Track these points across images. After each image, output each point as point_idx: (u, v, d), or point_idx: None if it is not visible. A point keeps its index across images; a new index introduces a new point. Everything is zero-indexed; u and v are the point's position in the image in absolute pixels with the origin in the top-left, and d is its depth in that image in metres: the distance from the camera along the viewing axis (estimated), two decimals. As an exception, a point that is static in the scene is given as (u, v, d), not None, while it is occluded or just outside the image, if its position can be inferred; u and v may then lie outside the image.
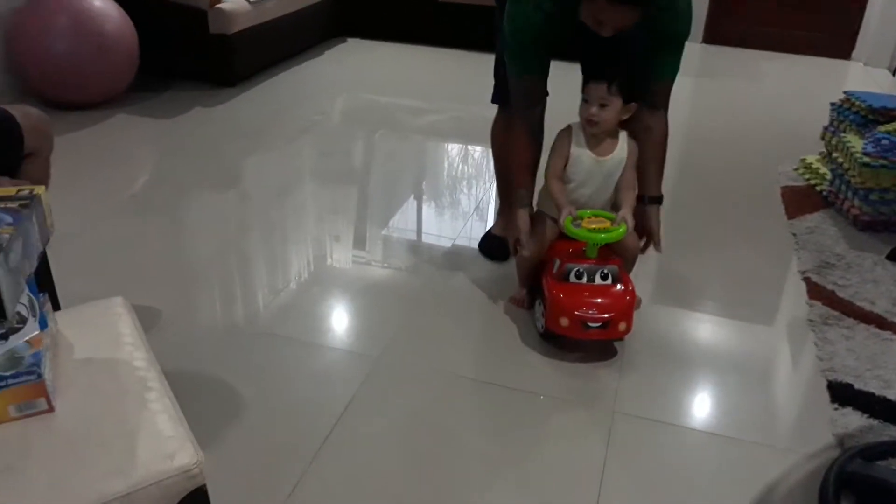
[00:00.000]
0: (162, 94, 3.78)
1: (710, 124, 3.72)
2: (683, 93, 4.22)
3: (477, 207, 2.78)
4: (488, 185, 2.98)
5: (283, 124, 3.52)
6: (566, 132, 1.95)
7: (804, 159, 3.10)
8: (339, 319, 2.09)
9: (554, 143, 1.97)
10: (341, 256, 2.41)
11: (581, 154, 1.92)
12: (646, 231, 2.02)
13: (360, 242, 2.51)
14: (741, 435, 1.71)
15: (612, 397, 1.80)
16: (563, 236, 1.94)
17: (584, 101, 1.88)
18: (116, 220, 2.55)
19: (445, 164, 3.25)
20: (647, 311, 2.14)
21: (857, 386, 1.86)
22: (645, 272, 2.25)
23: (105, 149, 3.14)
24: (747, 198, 2.91)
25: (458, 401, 1.78)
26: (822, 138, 3.03)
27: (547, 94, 2.01)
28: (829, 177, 2.86)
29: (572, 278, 1.88)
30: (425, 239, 2.56)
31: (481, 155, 3.27)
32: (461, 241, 2.52)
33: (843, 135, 2.85)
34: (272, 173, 3.01)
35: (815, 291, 2.27)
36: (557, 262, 1.92)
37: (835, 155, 2.85)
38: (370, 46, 4.84)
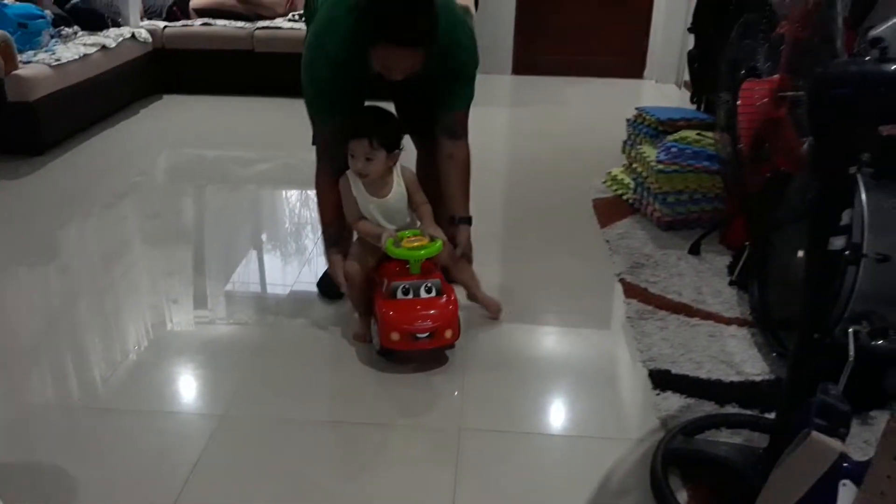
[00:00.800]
0: (-41, 170, 3.51)
1: (526, 147, 3.97)
2: (499, 120, 4.48)
3: (313, 249, 2.79)
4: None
5: (100, 189, 3.37)
6: (344, 181, 2.08)
7: (610, 172, 3.38)
8: (181, 383, 2.03)
9: (341, 192, 2.10)
10: (180, 319, 2.33)
11: (364, 202, 2.08)
12: (457, 247, 2.16)
13: (199, 302, 2.44)
14: (579, 432, 1.83)
15: (456, 415, 1.87)
16: (387, 258, 2.06)
17: (351, 156, 2.02)
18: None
19: (279, 211, 3.24)
20: (480, 324, 2.25)
21: (673, 371, 2.05)
22: (488, 285, 2.36)
23: None
24: (563, 212, 3.13)
25: (308, 445, 1.77)
26: (623, 151, 3.33)
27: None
28: (632, 186, 3.14)
29: (399, 295, 2.00)
30: (263, 289, 2.54)
31: (314, 199, 3.29)
32: (299, 286, 2.53)
33: (639, 147, 3.14)
34: (94, 241, 2.87)
35: (630, 290, 2.48)
36: (385, 282, 2.02)
37: (635, 165, 3.13)
38: (188, 101, 4.75)
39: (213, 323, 2.31)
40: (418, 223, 2.16)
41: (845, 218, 1.27)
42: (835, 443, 1.09)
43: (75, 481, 1.63)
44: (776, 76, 1.48)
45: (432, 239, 2.05)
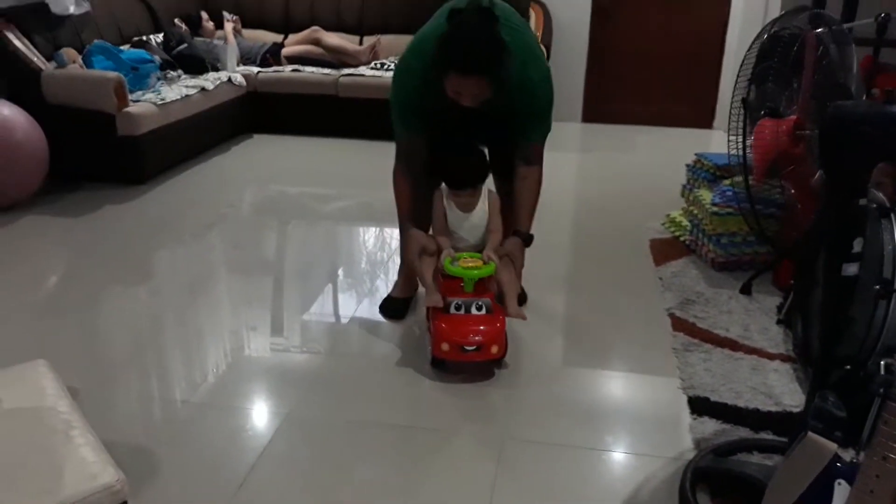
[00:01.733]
0: (71, 196, 3.90)
1: (590, 190, 4.12)
2: (567, 164, 4.65)
3: (384, 284, 2.98)
4: (389, 258, 3.21)
5: (192, 219, 3.68)
6: (438, 194, 2.36)
7: (669, 214, 3.49)
8: (254, 387, 2.24)
9: (434, 202, 2.36)
10: (257, 345, 2.48)
11: (452, 214, 2.36)
12: (509, 256, 2.33)
13: (276, 329, 2.59)
14: (615, 448, 1.94)
15: (501, 425, 2.02)
16: (446, 277, 2.27)
17: (455, 195, 2.33)
18: (26, 321, 2.63)
19: (354, 246, 3.46)
20: (532, 342, 2.40)
21: (713, 398, 2.14)
22: (538, 312, 2.52)
23: (12, 252, 3.22)
24: (621, 250, 3.25)
25: (361, 444, 1.95)
26: (682, 195, 3.44)
27: (429, 152, 2.37)
28: (689, 227, 3.24)
29: (452, 310, 2.21)
30: (337, 318, 2.72)
31: (389, 234, 3.52)
32: (366, 315, 2.69)
33: (697, 190, 3.25)
34: (182, 267, 3.12)
35: (678, 324, 2.58)
36: (442, 298, 2.24)
37: (692, 208, 3.24)
38: (276, 141, 5.11)
39: (288, 350, 2.47)
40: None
41: (857, 246, 1.38)
42: (829, 444, 1.19)
43: (159, 454, 1.86)
44: (793, 116, 1.61)
45: (487, 262, 2.23)
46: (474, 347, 2.16)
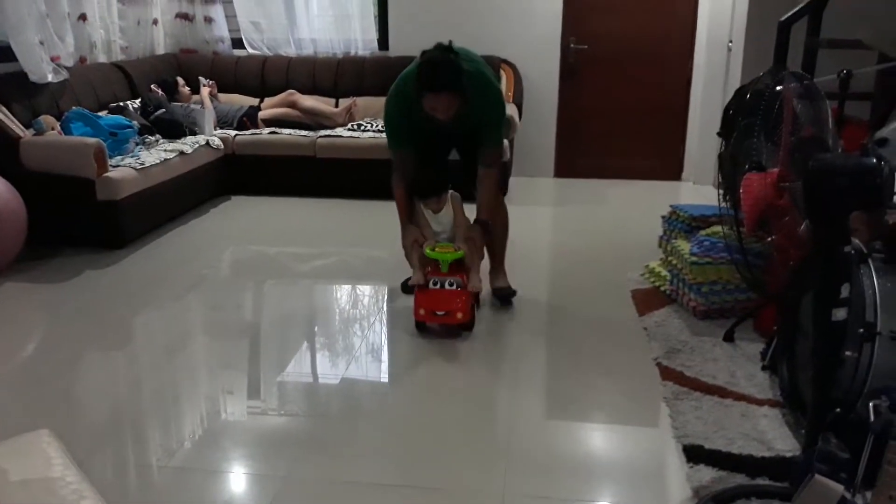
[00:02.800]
0: (51, 262, 3.86)
1: (567, 243, 4.19)
2: (542, 218, 4.73)
3: (361, 344, 2.98)
4: (373, 320, 3.22)
5: (171, 281, 3.66)
6: (419, 202, 3.14)
7: (647, 265, 3.56)
8: (238, 448, 2.22)
9: (416, 209, 3.13)
10: (234, 409, 2.46)
11: (427, 215, 3.14)
12: (471, 239, 3.04)
13: (253, 393, 2.57)
14: (616, 499, 1.95)
15: (500, 481, 2.01)
16: (428, 263, 3.01)
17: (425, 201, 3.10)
18: (5, 388, 2.59)
19: (332, 305, 3.47)
20: (527, 397, 2.42)
21: (707, 446, 2.16)
22: (527, 363, 2.54)
23: (-7, 318, 3.18)
24: (603, 301, 3.30)
25: (364, 504, 1.94)
26: (660, 246, 3.52)
27: (418, 166, 3.07)
28: (668, 277, 3.31)
29: (431, 285, 2.95)
30: (315, 379, 2.71)
31: (370, 291, 3.54)
32: (351, 374, 2.71)
33: (674, 241, 3.33)
34: (161, 331, 3.09)
35: (667, 373, 2.62)
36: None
37: (670, 258, 3.31)
38: (254, 202, 5.13)
39: (266, 413, 2.45)
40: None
41: (844, 292, 1.44)
42: (836, 486, 1.22)
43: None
44: (775, 169, 1.69)
45: (457, 250, 2.96)
46: (443, 312, 2.89)
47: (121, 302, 3.38)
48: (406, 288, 3.43)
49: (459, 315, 2.88)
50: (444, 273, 2.93)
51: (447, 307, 2.88)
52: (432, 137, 3.04)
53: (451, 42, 2.82)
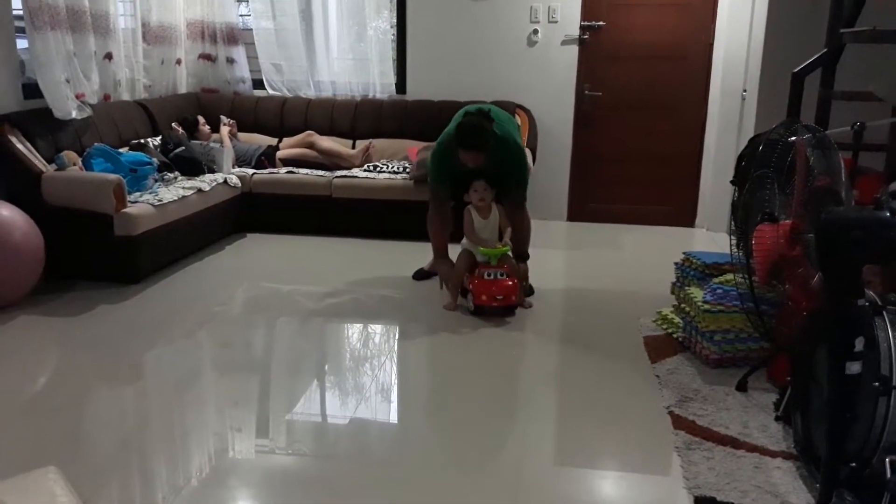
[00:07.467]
0: (66, 295, 3.90)
1: (579, 288, 4.19)
2: (557, 263, 4.73)
3: (374, 380, 2.98)
4: (384, 359, 3.22)
5: (184, 318, 3.68)
6: (468, 211, 3.82)
7: (660, 312, 3.55)
8: (239, 489, 2.20)
9: (464, 216, 3.82)
10: (242, 447, 2.45)
11: (476, 219, 3.80)
12: (515, 273, 3.75)
13: (262, 432, 2.57)
14: (624, 551, 1.92)
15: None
16: (479, 263, 3.74)
17: (474, 190, 3.75)
18: (17, 422, 2.60)
19: (346, 344, 3.47)
20: (538, 443, 2.39)
21: (719, 498, 2.13)
22: (538, 409, 2.52)
23: (6, 351, 3.20)
24: (616, 348, 3.29)
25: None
26: (672, 293, 3.50)
27: (453, 200, 3.88)
28: (681, 325, 3.29)
29: (485, 276, 3.66)
30: (324, 419, 2.71)
31: (382, 330, 3.54)
32: (360, 414, 2.70)
33: (687, 288, 3.32)
34: (172, 367, 3.10)
35: (679, 422, 2.59)
36: (479, 271, 3.71)
37: (683, 306, 3.30)
38: (270, 239, 5.16)
39: (273, 452, 2.44)
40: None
41: (858, 345, 1.42)
42: (851, 543, 1.20)
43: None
44: (788, 221, 1.69)
45: (504, 246, 3.76)
46: (501, 297, 3.62)
47: (133, 337, 3.40)
48: (417, 276, 4.26)
49: (514, 298, 3.68)
50: (494, 266, 3.68)
51: (504, 293, 3.63)
52: (465, 175, 3.79)
53: (490, 110, 3.65)
